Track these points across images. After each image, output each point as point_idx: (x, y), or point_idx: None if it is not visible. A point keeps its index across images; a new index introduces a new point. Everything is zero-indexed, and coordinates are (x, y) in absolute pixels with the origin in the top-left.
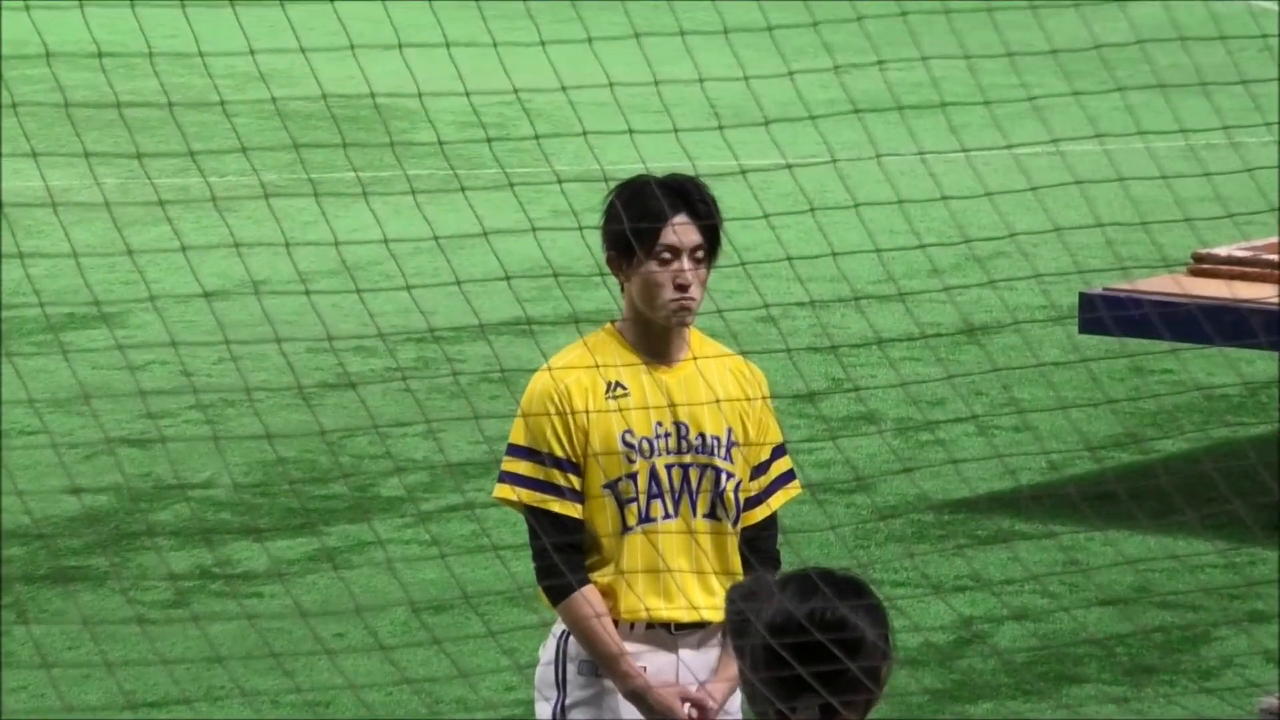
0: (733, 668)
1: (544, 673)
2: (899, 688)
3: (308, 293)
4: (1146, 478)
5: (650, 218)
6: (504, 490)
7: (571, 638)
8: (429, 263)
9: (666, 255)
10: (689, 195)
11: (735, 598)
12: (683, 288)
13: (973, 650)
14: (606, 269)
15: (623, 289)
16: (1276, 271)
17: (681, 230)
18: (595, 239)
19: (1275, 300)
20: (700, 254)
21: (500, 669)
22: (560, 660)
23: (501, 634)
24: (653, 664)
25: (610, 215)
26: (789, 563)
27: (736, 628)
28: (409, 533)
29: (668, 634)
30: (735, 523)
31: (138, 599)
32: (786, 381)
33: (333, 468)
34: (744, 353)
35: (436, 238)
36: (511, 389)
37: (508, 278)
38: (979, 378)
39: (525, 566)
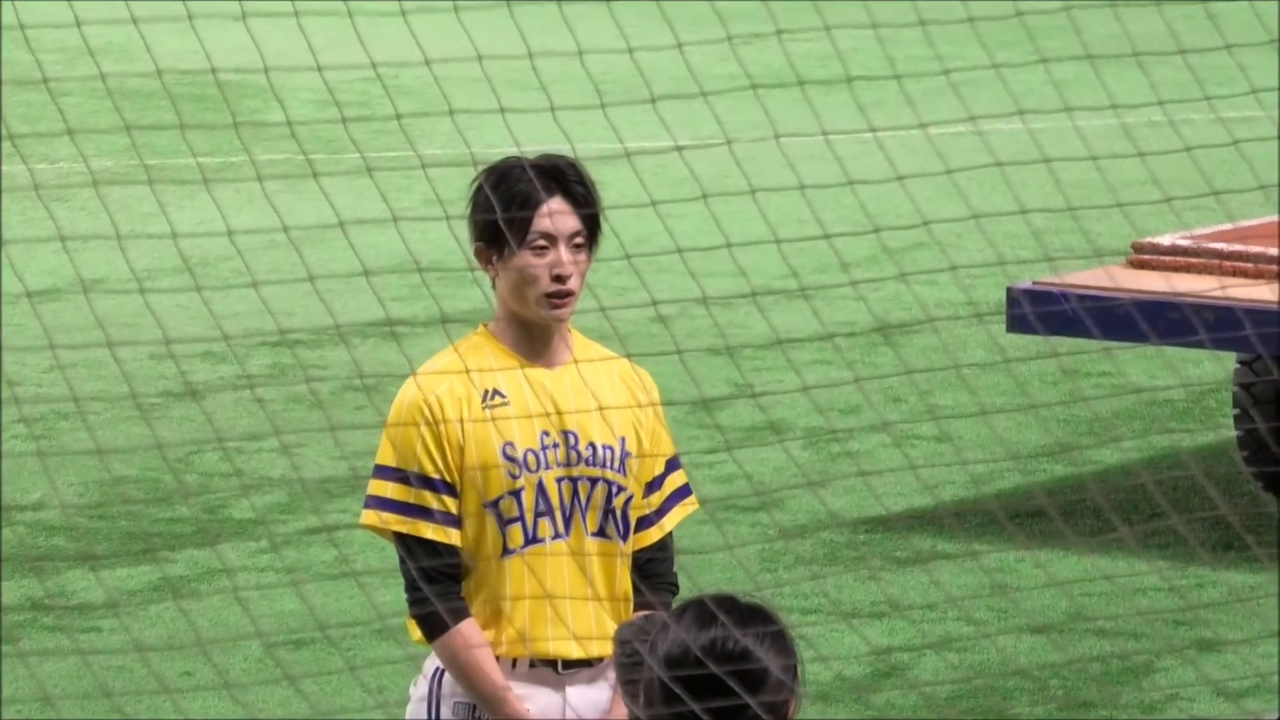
0: (625, 708)
1: (415, 709)
2: None
3: (141, 291)
4: (1079, 492)
5: (521, 203)
6: (370, 517)
7: (446, 676)
8: (284, 258)
9: (541, 244)
10: (564, 177)
11: (628, 635)
12: (561, 278)
13: (890, 684)
14: (478, 263)
15: (493, 284)
16: (1223, 262)
17: (557, 216)
18: (467, 230)
19: (1218, 294)
20: (579, 241)
21: (365, 709)
22: (434, 703)
23: (366, 670)
24: (537, 705)
25: (477, 202)
26: (685, 589)
27: (626, 667)
28: (263, 559)
29: (554, 672)
30: (626, 541)
31: None
32: (682, 388)
33: (177, 488)
34: (630, 355)
35: (290, 230)
36: (375, 398)
37: (366, 273)
38: (894, 383)
39: (392, 595)
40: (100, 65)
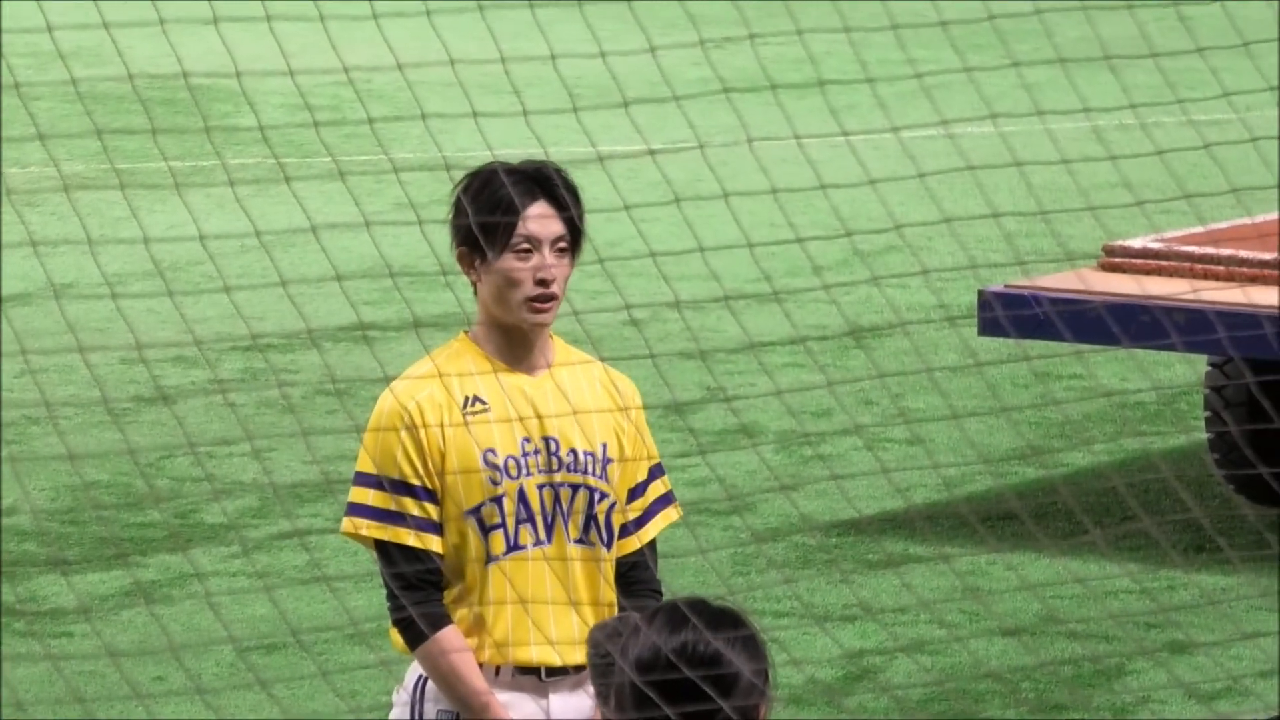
0: None
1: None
2: None
3: (113, 295)
4: (1051, 495)
5: (505, 207)
6: (348, 525)
7: (429, 685)
8: (255, 262)
9: (525, 248)
10: (548, 181)
11: (600, 637)
12: (544, 282)
13: (862, 687)
14: (453, 268)
15: (475, 290)
16: (1194, 265)
17: (541, 220)
18: (439, 234)
19: (1189, 297)
20: (562, 246)
21: (338, 714)
22: (416, 713)
23: (338, 675)
24: (520, 712)
25: (459, 207)
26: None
27: (600, 669)
28: (235, 564)
29: (537, 680)
30: (609, 548)
31: None
32: (655, 391)
33: (149, 492)
34: (603, 359)
35: (261, 234)
36: (347, 402)
37: (338, 277)
38: (866, 386)
39: (365, 600)
40: (71, 69)
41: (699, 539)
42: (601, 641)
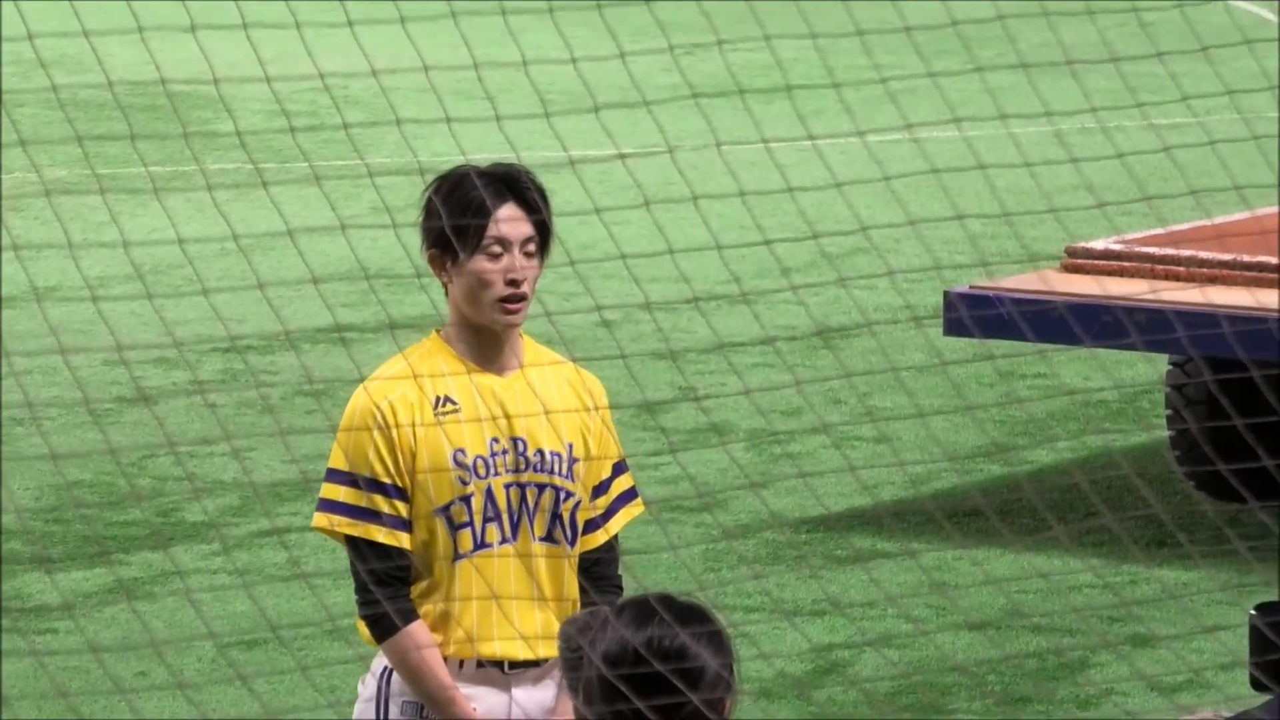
0: (570, 706)
1: (364, 708)
2: None
3: (94, 298)
4: (1015, 492)
5: (475, 209)
6: (321, 520)
7: (395, 676)
8: (234, 265)
9: (496, 249)
10: (517, 184)
11: (571, 631)
12: (515, 283)
13: (831, 680)
14: (428, 270)
15: (446, 292)
16: (1155, 266)
17: (511, 221)
18: (414, 238)
19: (1150, 297)
20: (531, 248)
21: (316, 708)
22: (382, 702)
23: (317, 670)
24: (484, 705)
25: (430, 210)
26: (630, 589)
27: (570, 663)
28: (216, 561)
29: (500, 673)
30: (573, 545)
31: None
32: (626, 391)
33: (131, 491)
34: (575, 359)
35: (240, 238)
36: (325, 403)
37: (315, 280)
38: (834, 385)
39: (343, 597)
40: (53, 77)
41: (671, 536)
42: (572, 635)
